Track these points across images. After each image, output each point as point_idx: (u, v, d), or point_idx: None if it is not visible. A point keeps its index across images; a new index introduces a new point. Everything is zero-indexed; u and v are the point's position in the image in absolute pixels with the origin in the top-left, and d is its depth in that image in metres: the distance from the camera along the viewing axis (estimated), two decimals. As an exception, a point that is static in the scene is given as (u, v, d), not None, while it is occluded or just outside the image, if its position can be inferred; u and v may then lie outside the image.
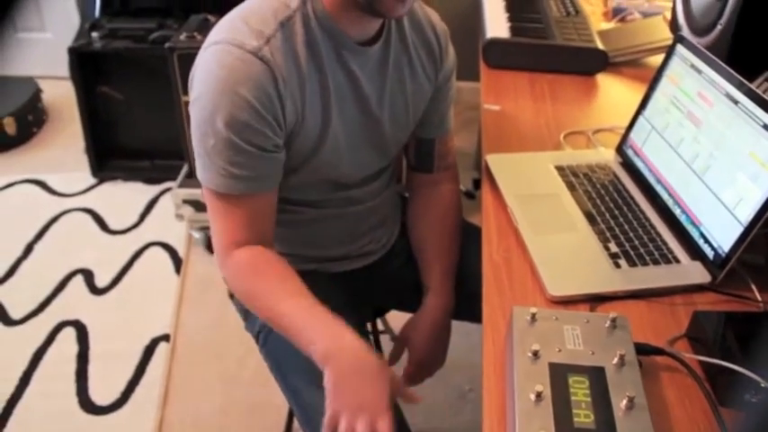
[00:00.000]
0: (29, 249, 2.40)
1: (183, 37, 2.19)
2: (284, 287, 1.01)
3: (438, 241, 1.26)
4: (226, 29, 0.98)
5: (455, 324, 1.28)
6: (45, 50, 3.33)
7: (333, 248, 1.25)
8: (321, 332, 0.95)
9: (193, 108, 0.99)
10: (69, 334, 2.06)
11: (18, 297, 2.19)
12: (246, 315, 1.26)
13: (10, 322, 2.10)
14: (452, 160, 1.31)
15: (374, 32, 1.06)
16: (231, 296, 1.31)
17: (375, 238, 1.29)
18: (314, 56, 1.01)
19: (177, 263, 2.34)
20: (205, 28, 2.23)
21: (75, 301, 2.18)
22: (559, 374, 0.78)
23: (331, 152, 1.08)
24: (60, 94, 3.19)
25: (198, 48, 1.01)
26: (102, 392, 1.88)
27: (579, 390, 0.76)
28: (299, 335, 0.97)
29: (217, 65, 0.95)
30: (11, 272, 2.30)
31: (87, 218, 2.57)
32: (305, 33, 1.00)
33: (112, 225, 2.53)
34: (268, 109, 0.96)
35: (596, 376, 0.78)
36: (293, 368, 1.13)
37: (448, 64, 1.20)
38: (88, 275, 2.29)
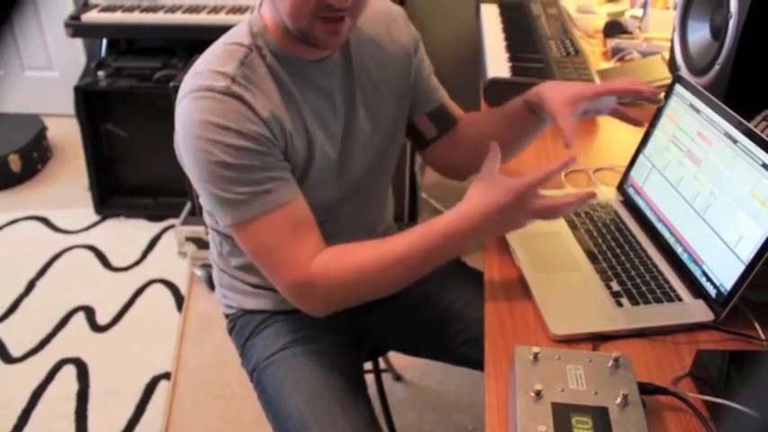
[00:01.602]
0: (31, 286, 2.40)
1: (187, 76, 2.21)
2: (376, 245, 1.01)
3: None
4: (190, 81, 1.01)
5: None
6: (51, 88, 3.37)
7: None
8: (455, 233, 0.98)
9: (190, 160, 1.00)
10: (70, 372, 2.05)
11: (19, 334, 2.18)
12: (243, 351, 1.25)
13: (10, 360, 2.09)
14: (460, 112, 1.29)
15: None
16: (231, 332, 1.30)
17: None
18: (280, 84, 1.03)
19: (179, 300, 2.34)
20: (209, 67, 2.25)
21: (76, 339, 2.17)
22: (562, 414, 0.77)
23: (323, 166, 1.09)
24: (65, 131, 3.23)
25: None
26: (101, 431, 1.86)
27: (582, 430, 0.75)
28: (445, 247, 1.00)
29: (195, 112, 0.98)
30: (12, 308, 2.29)
31: (90, 255, 2.57)
32: (265, 65, 1.02)
33: (115, 262, 2.53)
34: (257, 134, 0.98)
35: (600, 416, 0.77)
36: (284, 407, 1.12)
37: (414, 42, 1.20)
38: (90, 312, 2.28)
